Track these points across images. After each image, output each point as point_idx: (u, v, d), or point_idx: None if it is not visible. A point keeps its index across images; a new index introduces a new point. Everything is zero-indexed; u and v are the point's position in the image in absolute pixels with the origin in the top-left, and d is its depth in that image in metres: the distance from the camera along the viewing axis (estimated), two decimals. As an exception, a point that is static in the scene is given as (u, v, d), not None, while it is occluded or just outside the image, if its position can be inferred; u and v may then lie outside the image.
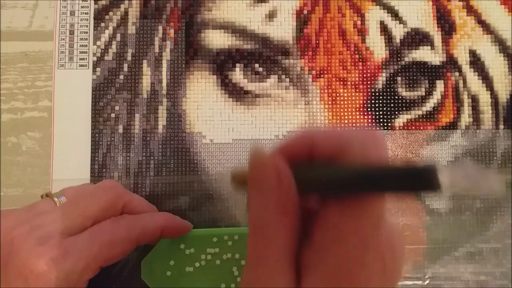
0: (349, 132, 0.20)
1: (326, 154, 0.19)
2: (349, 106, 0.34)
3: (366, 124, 0.33)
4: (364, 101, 0.34)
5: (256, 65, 0.34)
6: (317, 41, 0.34)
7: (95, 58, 0.34)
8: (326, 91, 0.34)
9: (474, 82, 0.34)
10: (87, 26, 0.34)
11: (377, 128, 0.31)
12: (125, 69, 0.34)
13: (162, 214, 0.30)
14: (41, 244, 0.24)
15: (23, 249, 0.24)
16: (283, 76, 0.34)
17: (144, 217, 0.28)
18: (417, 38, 0.35)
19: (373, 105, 0.34)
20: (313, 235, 0.19)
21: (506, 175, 0.34)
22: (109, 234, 0.26)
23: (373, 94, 0.34)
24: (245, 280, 0.20)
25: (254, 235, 0.19)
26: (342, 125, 0.32)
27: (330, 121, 0.34)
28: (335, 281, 0.18)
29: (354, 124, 0.33)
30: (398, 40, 0.35)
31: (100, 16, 0.34)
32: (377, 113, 0.34)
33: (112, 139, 0.33)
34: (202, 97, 0.34)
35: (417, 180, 0.16)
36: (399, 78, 0.34)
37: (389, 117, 0.34)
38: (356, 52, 0.34)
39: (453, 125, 0.34)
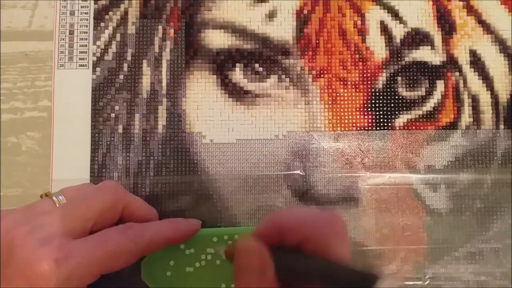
0: (312, 220, 0.23)
1: (292, 239, 0.22)
2: (349, 106, 0.34)
3: (327, 209, 0.33)
4: (364, 101, 0.34)
5: (256, 65, 0.34)
6: (317, 41, 0.34)
7: (95, 58, 0.34)
8: (326, 91, 0.34)
9: (474, 82, 0.34)
10: (87, 26, 0.34)
11: (339, 213, 0.29)
12: (125, 69, 0.34)
13: (168, 224, 0.29)
14: (43, 245, 0.24)
15: (25, 249, 0.24)
16: (283, 76, 0.34)
17: (151, 228, 0.28)
18: (417, 38, 0.35)
19: (373, 105, 0.34)
20: None
21: (506, 175, 0.34)
22: (116, 244, 0.26)
23: (373, 94, 0.34)
24: None
25: None
26: (307, 206, 0.30)
27: (330, 121, 0.34)
28: None
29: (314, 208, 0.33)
30: (398, 40, 0.34)
31: (100, 16, 0.34)
32: (377, 113, 0.34)
33: (112, 139, 0.33)
34: (202, 97, 0.34)
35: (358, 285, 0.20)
36: (399, 78, 0.34)
37: (389, 117, 0.34)
38: (356, 52, 0.34)
39: (453, 125, 0.34)
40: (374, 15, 0.35)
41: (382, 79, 0.34)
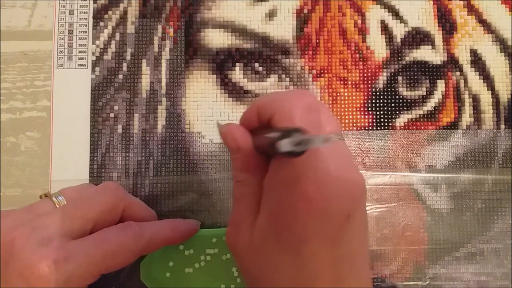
0: (281, 96, 0.24)
1: (265, 115, 0.23)
2: (350, 105, 0.34)
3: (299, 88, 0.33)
4: (365, 101, 0.34)
5: (256, 65, 0.34)
6: (317, 40, 0.34)
7: (94, 58, 0.34)
8: (326, 90, 0.34)
9: (475, 82, 0.34)
10: (86, 26, 0.34)
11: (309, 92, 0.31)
12: (124, 68, 0.34)
13: (168, 224, 0.29)
14: (43, 245, 0.24)
15: (25, 250, 0.24)
16: (283, 76, 0.34)
17: (151, 228, 0.28)
18: (418, 37, 0.34)
19: (373, 105, 0.34)
20: (263, 184, 0.23)
21: (507, 175, 0.34)
22: (115, 243, 0.26)
23: (373, 93, 0.34)
24: (230, 216, 0.25)
25: (233, 185, 0.25)
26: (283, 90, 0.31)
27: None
28: (273, 218, 0.22)
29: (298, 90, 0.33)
30: (399, 40, 0.34)
31: (99, 16, 0.34)
32: (377, 112, 0.34)
33: (111, 139, 0.33)
34: (202, 97, 0.34)
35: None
36: (400, 78, 0.34)
37: (390, 116, 0.34)
38: (356, 52, 0.34)
39: (454, 125, 0.34)
40: (375, 14, 0.35)
41: (382, 78, 0.34)
